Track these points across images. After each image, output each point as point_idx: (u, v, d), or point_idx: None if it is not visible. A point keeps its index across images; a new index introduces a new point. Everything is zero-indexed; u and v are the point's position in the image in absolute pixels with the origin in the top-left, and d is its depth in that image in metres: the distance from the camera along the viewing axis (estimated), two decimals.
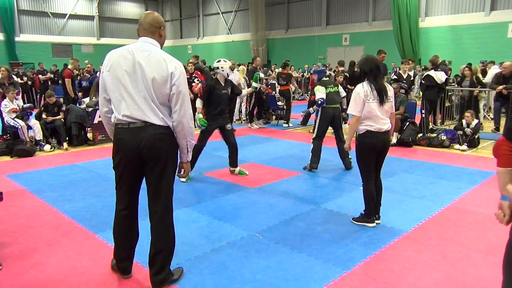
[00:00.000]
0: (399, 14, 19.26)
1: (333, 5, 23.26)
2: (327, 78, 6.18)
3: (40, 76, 15.28)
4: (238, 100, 10.82)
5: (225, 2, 29.25)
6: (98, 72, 14.06)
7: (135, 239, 2.90)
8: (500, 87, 8.20)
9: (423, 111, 8.52)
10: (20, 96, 11.10)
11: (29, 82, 14.89)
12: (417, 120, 8.39)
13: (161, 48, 2.69)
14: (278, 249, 3.43)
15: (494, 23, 17.22)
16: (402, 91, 8.72)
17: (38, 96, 15.20)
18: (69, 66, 10.37)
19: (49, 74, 15.77)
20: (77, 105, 8.80)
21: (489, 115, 10.79)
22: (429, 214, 4.21)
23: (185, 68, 6.45)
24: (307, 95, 10.35)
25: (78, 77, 12.00)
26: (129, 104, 2.55)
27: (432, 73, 8.43)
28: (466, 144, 7.33)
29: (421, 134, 7.96)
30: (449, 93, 10.01)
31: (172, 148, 2.68)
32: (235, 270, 3.08)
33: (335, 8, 23.24)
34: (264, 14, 25.80)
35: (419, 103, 10.02)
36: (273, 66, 20.45)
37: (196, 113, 5.37)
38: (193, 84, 9.74)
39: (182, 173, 2.85)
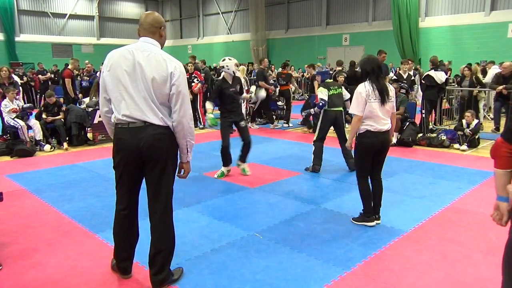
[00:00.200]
0: (399, 14, 19.25)
1: (333, 5, 23.26)
2: (331, 80, 6.18)
3: (40, 76, 15.28)
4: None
5: (225, 2, 29.25)
6: (98, 72, 14.08)
7: (135, 239, 2.90)
8: (500, 87, 8.20)
9: (423, 111, 8.52)
10: (20, 96, 11.11)
11: (32, 83, 14.91)
12: (417, 120, 8.39)
13: (161, 48, 2.69)
14: (278, 249, 3.43)
15: (494, 23, 17.22)
16: (403, 91, 8.73)
17: (38, 96, 15.20)
18: (69, 66, 10.38)
19: (49, 74, 15.77)
20: (77, 105, 8.81)
21: (489, 115, 10.79)
22: (429, 214, 4.21)
23: (185, 68, 6.44)
24: (307, 95, 10.33)
25: (78, 77, 12.01)
26: (129, 104, 2.56)
27: (432, 73, 8.43)
28: (466, 144, 7.33)
29: (421, 134, 7.96)
30: (450, 96, 10.02)
31: (172, 148, 2.68)
32: (235, 270, 3.08)
33: (335, 8, 23.23)
34: (264, 14, 25.79)
35: (419, 103, 10.03)
36: (272, 66, 20.46)
37: (207, 114, 5.48)
38: (193, 84, 9.75)
39: (182, 173, 2.86)
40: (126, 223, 2.81)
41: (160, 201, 2.70)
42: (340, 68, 10.15)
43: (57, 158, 6.98)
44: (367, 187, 3.91)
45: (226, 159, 5.71)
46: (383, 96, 3.68)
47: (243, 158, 5.83)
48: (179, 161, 2.81)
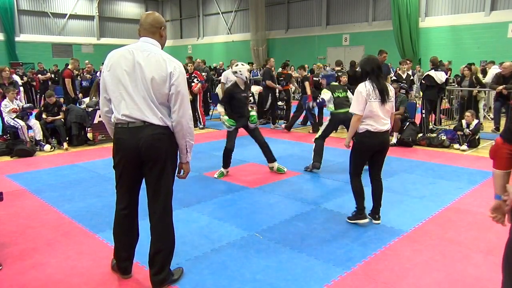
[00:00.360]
0: (399, 14, 19.25)
1: (333, 5, 23.25)
2: (336, 83, 6.19)
3: (39, 76, 15.28)
4: None
5: (225, 2, 29.24)
6: (98, 72, 14.08)
7: (135, 239, 2.90)
8: (500, 87, 8.20)
9: (423, 111, 8.52)
10: (21, 96, 11.10)
11: (33, 83, 14.91)
12: (417, 120, 8.39)
13: (162, 49, 2.69)
14: (278, 249, 3.43)
15: (494, 23, 17.22)
16: (403, 91, 8.73)
17: (38, 96, 15.20)
18: (69, 66, 10.38)
19: (48, 74, 15.77)
20: (77, 105, 8.81)
21: (489, 115, 10.79)
22: (429, 214, 4.21)
23: (185, 68, 6.45)
24: (299, 96, 10.36)
25: (79, 77, 12.01)
26: (129, 103, 2.56)
27: (432, 73, 8.43)
28: (466, 144, 7.33)
29: (421, 134, 7.96)
30: (451, 96, 10.01)
31: (171, 148, 2.68)
32: (235, 270, 3.08)
33: (335, 8, 23.23)
34: (264, 14, 25.79)
35: (419, 103, 10.03)
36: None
37: (221, 117, 5.60)
38: (193, 84, 9.75)
39: (181, 173, 2.85)
40: (126, 223, 2.81)
41: (159, 201, 2.70)
42: (339, 68, 10.14)
43: (57, 158, 6.98)
44: (360, 185, 3.91)
45: (227, 162, 5.73)
46: (383, 96, 3.68)
47: (269, 158, 5.87)
48: (178, 161, 2.81)
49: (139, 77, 2.54)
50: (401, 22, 19.25)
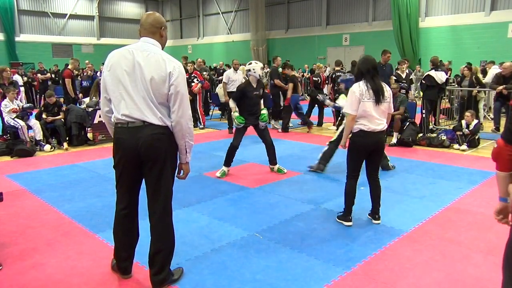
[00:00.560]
0: (399, 14, 19.25)
1: (333, 5, 23.26)
2: None
3: (39, 75, 15.28)
4: None
5: (225, 2, 29.25)
6: (98, 72, 14.09)
7: (135, 239, 2.90)
8: (500, 87, 8.20)
9: (424, 111, 8.52)
10: (21, 96, 11.11)
11: (34, 83, 14.92)
12: (417, 120, 8.39)
13: (162, 49, 2.69)
14: (278, 249, 3.43)
15: (494, 23, 17.22)
16: (403, 91, 8.73)
17: (38, 96, 15.21)
18: (69, 66, 10.38)
19: (48, 74, 15.77)
20: (77, 105, 8.81)
21: (489, 115, 10.79)
22: (429, 214, 4.21)
23: (185, 68, 6.46)
24: (307, 95, 10.32)
25: (79, 77, 12.01)
26: (128, 103, 2.56)
27: (432, 73, 8.43)
28: (466, 144, 7.33)
29: (421, 134, 7.96)
30: (451, 96, 10.01)
31: (170, 149, 2.67)
32: (235, 270, 3.08)
33: (335, 8, 23.23)
34: (264, 14, 25.79)
35: (419, 103, 10.02)
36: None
37: (232, 113, 5.63)
38: (193, 84, 9.75)
39: (181, 174, 2.85)
40: (126, 223, 2.81)
41: (159, 201, 2.70)
42: (339, 68, 10.15)
43: (57, 158, 6.98)
44: (352, 189, 3.90)
45: (230, 159, 5.75)
46: (378, 96, 3.68)
47: (272, 161, 5.89)
48: (178, 161, 2.81)
49: (139, 77, 2.54)
50: (401, 22, 19.26)
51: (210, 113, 12.24)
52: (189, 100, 2.70)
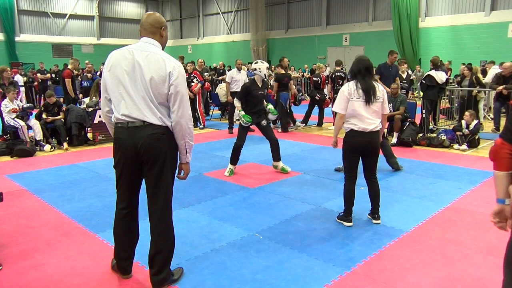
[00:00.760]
0: (399, 14, 19.26)
1: (333, 5, 23.26)
2: None
3: (39, 74, 15.29)
4: None
5: (225, 2, 29.25)
6: (98, 72, 14.08)
7: (135, 239, 2.90)
8: (500, 87, 8.21)
9: (424, 111, 8.52)
10: (21, 96, 11.10)
11: (35, 83, 14.92)
12: (417, 120, 8.38)
13: (163, 49, 2.69)
14: (278, 249, 3.43)
15: (494, 23, 17.22)
16: (403, 91, 8.72)
17: (37, 96, 15.21)
18: (69, 66, 10.37)
19: (48, 74, 15.77)
20: (77, 105, 8.81)
21: (489, 115, 10.80)
22: (429, 214, 4.21)
23: (184, 69, 6.46)
24: (307, 96, 10.32)
25: (79, 77, 12.01)
26: (128, 103, 2.56)
27: (433, 73, 8.43)
28: (466, 144, 7.33)
29: (421, 134, 7.96)
30: (452, 96, 10.01)
31: (170, 149, 2.67)
32: (235, 270, 3.08)
33: (335, 8, 23.23)
34: (264, 14, 25.79)
35: (419, 103, 10.02)
36: (272, 66, 20.43)
37: (238, 111, 5.65)
38: (192, 84, 9.75)
39: (182, 174, 2.85)
40: (126, 223, 2.81)
41: (159, 201, 2.70)
42: (339, 68, 10.15)
43: (57, 158, 6.98)
44: (350, 190, 3.91)
45: (235, 158, 5.79)
46: (369, 96, 3.68)
47: (276, 157, 5.90)
48: (178, 162, 2.81)
49: (139, 77, 2.54)
50: (401, 22, 19.26)
51: (210, 113, 12.24)
52: (189, 100, 2.70)
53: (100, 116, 7.97)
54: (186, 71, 9.43)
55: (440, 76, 8.32)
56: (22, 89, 13.25)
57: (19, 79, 13.34)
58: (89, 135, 8.35)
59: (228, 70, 16.95)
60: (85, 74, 11.57)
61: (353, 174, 3.90)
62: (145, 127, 2.57)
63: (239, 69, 9.57)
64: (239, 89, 9.20)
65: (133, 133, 2.57)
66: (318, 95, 10.01)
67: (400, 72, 9.86)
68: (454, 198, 4.72)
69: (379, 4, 21.29)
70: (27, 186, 5.31)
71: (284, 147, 7.62)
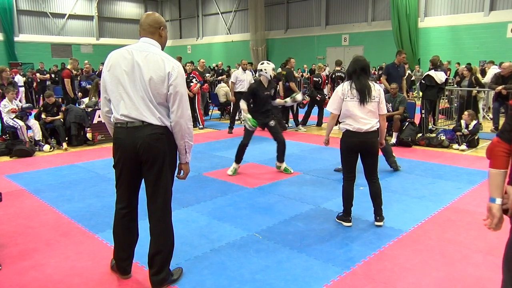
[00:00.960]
0: (398, 14, 19.28)
1: (333, 5, 23.28)
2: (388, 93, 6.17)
3: (38, 74, 15.27)
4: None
5: (224, 2, 29.25)
6: (97, 72, 14.06)
7: (135, 239, 2.90)
8: (500, 87, 8.22)
9: (423, 111, 8.52)
10: (21, 97, 11.07)
11: (34, 83, 14.91)
12: (416, 120, 8.39)
13: (162, 49, 2.69)
14: (277, 249, 3.43)
15: (493, 23, 17.25)
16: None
17: (36, 96, 15.19)
18: (68, 66, 10.36)
19: (48, 75, 15.76)
20: (77, 105, 8.80)
21: (488, 115, 10.81)
22: (428, 214, 4.22)
23: (183, 69, 6.46)
24: (306, 96, 10.33)
25: (78, 77, 11.99)
26: (127, 103, 2.56)
27: (432, 73, 8.44)
28: (465, 144, 7.34)
29: (420, 134, 7.96)
30: (451, 96, 10.03)
31: (169, 149, 2.67)
32: (235, 270, 3.08)
33: (335, 8, 23.25)
34: (263, 14, 25.80)
35: (418, 103, 10.03)
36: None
37: (244, 114, 5.61)
38: (191, 84, 9.75)
39: (181, 174, 2.85)
40: (126, 223, 2.81)
41: (158, 201, 2.70)
42: (338, 68, 10.15)
43: (56, 158, 6.97)
44: (348, 190, 3.90)
45: (240, 157, 5.80)
46: (363, 96, 3.67)
47: (280, 158, 5.90)
48: (178, 162, 2.81)
49: (138, 77, 2.54)
50: (401, 22, 19.28)
51: (210, 113, 12.24)
52: (188, 100, 2.70)
53: (99, 116, 7.97)
54: (185, 71, 9.43)
55: (439, 76, 8.33)
56: (22, 89, 13.24)
57: (19, 79, 13.33)
58: (89, 135, 8.34)
59: (227, 70, 17.01)
60: (83, 74, 11.55)
61: (351, 174, 3.89)
62: (144, 127, 2.57)
63: (244, 69, 9.57)
64: (244, 89, 9.30)
65: (132, 133, 2.57)
66: (318, 95, 10.01)
67: None
68: (454, 198, 4.72)
69: (378, 4, 21.31)
70: (26, 186, 5.31)
71: None
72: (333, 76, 10.17)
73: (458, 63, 16.33)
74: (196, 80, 9.95)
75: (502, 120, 8.77)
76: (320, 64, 12.62)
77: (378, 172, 3.96)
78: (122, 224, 2.81)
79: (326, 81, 11.23)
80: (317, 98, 9.98)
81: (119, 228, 2.82)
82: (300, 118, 10.13)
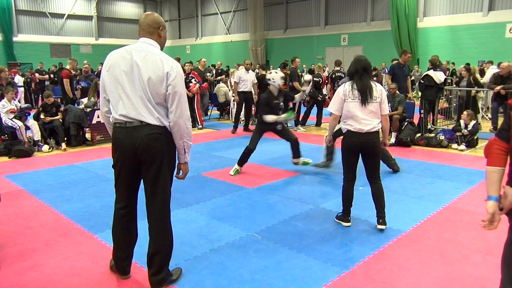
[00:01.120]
0: (397, 14, 19.30)
1: (332, 5, 23.28)
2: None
3: (37, 74, 15.24)
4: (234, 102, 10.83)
5: (223, 2, 29.25)
6: (96, 72, 14.03)
7: (134, 239, 2.90)
8: (498, 87, 8.22)
9: (422, 111, 8.53)
10: (20, 97, 11.03)
11: (33, 83, 14.88)
12: (415, 120, 8.39)
13: (162, 49, 2.69)
14: (276, 249, 3.43)
15: (492, 23, 17.28)
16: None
17: (35, 96, 15.16)
18: (67, 66, 10.34)
19: (47, 76, 15.74)
20: (75, 105, 8.79)
21: (487, 115, 10.82)
22: (427, 214, 4.22)
23: (182, 69, 6.45)
24: (307, 95, 10.38)
25: (77, 78, 11.97)
26: (126, 103, 2.56)
27: (431, 73, 8.45)
28: (464, 144, 7.35)
29: (419, 134, 7.97)
30: (450, 96, 10.04)
31: (168, 149, 2.67)
32: (234, 270, 3.08)
33: (334, 8, 23.26)
34: (262, 14, 25.81)
35: (417, 103, 10.04)
36: (271, 67, 20.47)
37: (278, 120, 5.68)
38: (191, 84, 9.75)
39: (180, 174, 2.85)
40: (125, 223, 2.81)
41: (157, 201, 2.69)
42: (338, 68, 10.16)
43: (55, 159, 6.97)
44: (348, 191, 3.89)
45: (244, 161, 5.86)
46: (365, 96, 3.63)
47: (295, 154, 5.99)
48: (177, 162, 2.81)
49: (137, 77, 2.54)
50: (400, 22, 19.30)
51: (209, 113, 12.23)
52: (187, 100, 2.70)
53: (98, 117, 7.96)
54: (184, 71, 9.43)
55: (438, 76, 8.34)
56: (21, 89, 13.22)
57: (19, 79, 13.30)
58: (88, 136, 8.33)
59: (226, 70, 17.00)
60: (82, 74, 11.54)
61: (351, 175, 3.88)
62: (142, 127, 2.56)
63: (247, 70, 9.58)
64: (246, 89, 9.37)
65: (131, 133, 2.57)
66: (319, 95, 10.02)
67: None
68: (453, 198, 4.72)
69: (378, 4, 21.33)
70: (25, 186, 5.30)
71: (283, 148, 7.62)
72: (333, 76, 10.17)
73: (453, 63, 16.36)
74: (195, 80, 9.95)
75: (500, 120, 8.79)
76: (320, 64, 12.63)
77: (380, 173, 3.92)
78: (121, 224, 2.81)
79: (326, 81, 11.23)
80: (318, 98, 9.99)
81: (118, 228, 2.82)
82: (299, 118, 10.14)
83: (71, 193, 5.03)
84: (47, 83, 15.57)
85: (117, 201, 2.80)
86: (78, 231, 3.85)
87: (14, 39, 25.85)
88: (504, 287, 1.90)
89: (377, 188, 3.85)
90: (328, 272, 3.05)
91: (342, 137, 3.88)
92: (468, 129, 7.43)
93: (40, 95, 13.49)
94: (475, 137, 7.51)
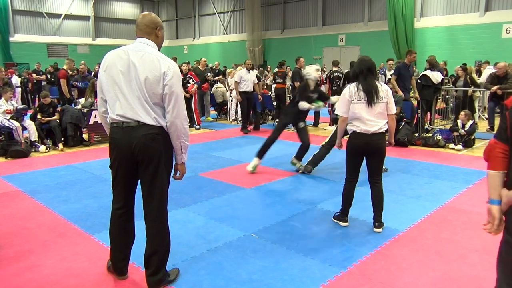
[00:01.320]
0: (394, 15, 19.32)
1: (329, 6, 23.29)
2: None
3: (34, 74, 15.19)
4: (234, 101, 10.83)
5: (221, 2, 29.22)
6: (93, 73, 13.99)
7: (131, 239, 2.89)
8: (495, 87, 8.25)
9: (419, 111, 8.55)
10: (18, 97, 11.00)
11: (30, 83, 14.83)
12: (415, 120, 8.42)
13: (159, 49, 2.69)
14: (274, 249, 3.43)
15: (489, 24, 17.33)
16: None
17: (32, 96, 15.10)
18: (64, 67, 10.31)
19: (44, 76, 15.68)
20: (72, 105, 8.76)
21: (484, 115, 10.86)
22: (425, 213, 4.23)
23: (179, 69, 6.46)
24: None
25: (74, 78, 11.94)
26: (123, 104, 2.56)
27: (428, 73, 8.47)
28: (461, 144, 7.37)
29: (416, 134, 7.99)
30: (447, 96, 10.07)
31: (165, 149, 2.67)
32: (232, 271, 3.07)
33: (331, 9, 23.26)
34: (260, 14, 25.79)
35: (414, 103, 10.06)
36: (268, 66, 20.47)
37: (312, 107, 5.70)
38: (188, 85, 9.75)
39: (177, 174, 2.85)
40: (122, 223, 2.80)
41: (154, 201, 2.69)
42: (336, 69, 10.17)
43: (53, 159, 6.94)
44: (348, 191, 3.89)
45: (264, 151, 5.92)
46: (371, 97, 3.60)
47: (299, 156, 5.99)
48: (174, 162, 2.81)
49: (134, 78, 2.54)
50: (397, 22, 19.32)
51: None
52: (184, 100, 2.69)
53: (95, 117, 7.94)
54: (181, 71, 9.42)
55: (435, 76, 8.36)
56: (18, 89, 13.17)
57: (17, 80, 13.25)
58: (85, 136, 8.31)
59: (224, 71, 16.99)
60: (79, 74, 11.51)
61: (353, 176, 3.86)
62: (139, 127, 2.56)
63: (248, 69, 9.58)
64: (248, 89, 9.35)
65: (128, 133, 2.57)
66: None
67: None
68: (450, 197, 4.74)
69: (375, 4, 21.35)
70: (22, 187, 5.28)
71: (280, 147, 7.63)
72: (331, 76, 10.18)
73: (445, 62, 16.29)
74: (193, 81, 9.94)
75: (497, 120, 8.82)
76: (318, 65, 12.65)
77: (382, 175, 3.89)
78: (118, 224, 2.80)
79: (324, 82, 11.26)
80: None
81: (115, 228, 2.82)
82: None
83: (68, 193, 5.01)
84: (44, 83, 15.51)
85: (115, 201, 2.79)
86: (75, 231, 3.84)
87: (11, 39, 25.73)
88: (499, 286, 1.90)
89: (377, 191, 3.81)
90: (325, 272, 3.06)
91: (347, 137, 3.87)
92: (465, 129, 7.45)
93: (37, 96, 13.43)
94: (472, 137, 7.53)
